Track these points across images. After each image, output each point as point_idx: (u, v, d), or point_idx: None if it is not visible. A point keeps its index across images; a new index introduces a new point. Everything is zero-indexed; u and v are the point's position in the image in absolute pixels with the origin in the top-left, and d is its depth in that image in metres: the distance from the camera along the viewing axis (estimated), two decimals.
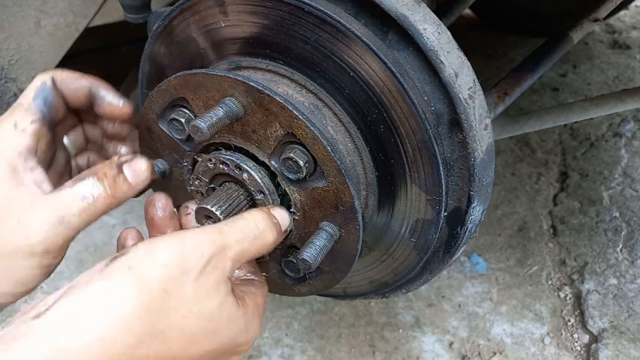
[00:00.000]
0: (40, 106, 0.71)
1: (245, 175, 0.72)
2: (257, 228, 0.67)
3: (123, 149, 0.84)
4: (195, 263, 0.59)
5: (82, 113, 0.81)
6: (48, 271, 0.69)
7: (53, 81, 0.73)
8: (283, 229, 0.71)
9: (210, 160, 0.74)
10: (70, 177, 0.76)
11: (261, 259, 0.78)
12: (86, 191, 0.66)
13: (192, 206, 0.78)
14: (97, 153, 0.86)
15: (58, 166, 0.78)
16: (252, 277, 0.76)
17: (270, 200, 0.73)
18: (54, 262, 0.68)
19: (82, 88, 0.75)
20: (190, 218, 0.78)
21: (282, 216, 0.72)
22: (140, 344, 0.55)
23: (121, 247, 0.74)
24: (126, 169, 0.70)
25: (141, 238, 0.74)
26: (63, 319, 0.53)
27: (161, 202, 0.76)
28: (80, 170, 0.83)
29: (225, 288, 0.62)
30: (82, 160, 0.85)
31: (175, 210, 0.78)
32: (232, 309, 0.63)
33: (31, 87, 0.72)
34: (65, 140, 0.81)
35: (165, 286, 0.57)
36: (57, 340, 0.51)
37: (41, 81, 0.73)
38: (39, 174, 0.68)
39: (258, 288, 0.72)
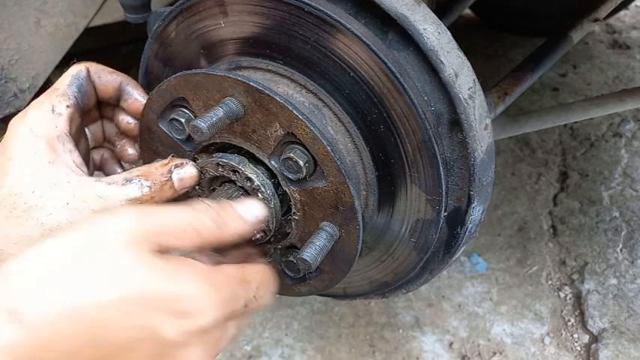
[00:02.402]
0: (75, 92, 0.74)
1: (243, 179, 0.72)
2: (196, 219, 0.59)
3: (130, 151, 0.86)
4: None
5: (103, 108, 0.84)
6: None
7: (88, 71, 0.77)
8: (255, 219, 0.66)
9: (209, 164, 0.74)
10: (89, 168, 0.78)
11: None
12: (135, 191, 0.68)
13: None
14: (109, 151, 0.88)
15: (81, 155, 0.79)
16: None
17: (270, 201, 0.73)
18: None
19: (113, 81, 0.79)
20: None
21: (250, 208, 0.67)
22: None
23: None
24: (175, 175, 0.71)
25: None
26: None
27: None
28: (94, 164, 0.86)
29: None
30: (96, 154, 0.87)
31: None
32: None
33: (67, 74, 0.76)
34: (87, 132, 0.84)
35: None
36: None
37: (77, 70, 0.76)
38: (77, 156, 0.70)
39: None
